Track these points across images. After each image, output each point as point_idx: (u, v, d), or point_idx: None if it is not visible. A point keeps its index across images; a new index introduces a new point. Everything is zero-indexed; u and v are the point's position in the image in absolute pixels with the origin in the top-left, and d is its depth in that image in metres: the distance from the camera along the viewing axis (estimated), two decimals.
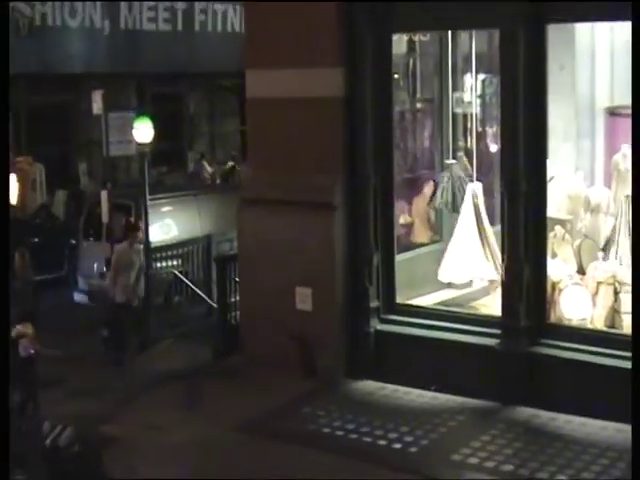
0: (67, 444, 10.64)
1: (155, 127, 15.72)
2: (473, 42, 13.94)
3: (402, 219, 14.23)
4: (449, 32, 14.03)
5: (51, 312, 15.62)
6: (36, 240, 18.82)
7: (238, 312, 14.27)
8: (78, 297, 17.17)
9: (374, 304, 12.88)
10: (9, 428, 7.62)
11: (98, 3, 24.00)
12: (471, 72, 14.14)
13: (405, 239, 14.21)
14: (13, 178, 10.82)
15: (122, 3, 24.54)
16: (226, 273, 14.43)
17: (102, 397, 12.84)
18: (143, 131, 15.43)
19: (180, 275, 16.21)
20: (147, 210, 15.51)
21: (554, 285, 12.01)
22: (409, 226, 14.43)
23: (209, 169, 27.18)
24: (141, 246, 15.10)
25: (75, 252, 18.05)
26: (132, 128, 15.74)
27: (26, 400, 10.99)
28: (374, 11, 12.70)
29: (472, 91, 14.24)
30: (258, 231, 13.49)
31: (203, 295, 15.65)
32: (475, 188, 13.51)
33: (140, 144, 15.65)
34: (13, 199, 10.70)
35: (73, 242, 18.41)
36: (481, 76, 14.15)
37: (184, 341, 15.13)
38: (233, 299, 14.49)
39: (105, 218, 15.95)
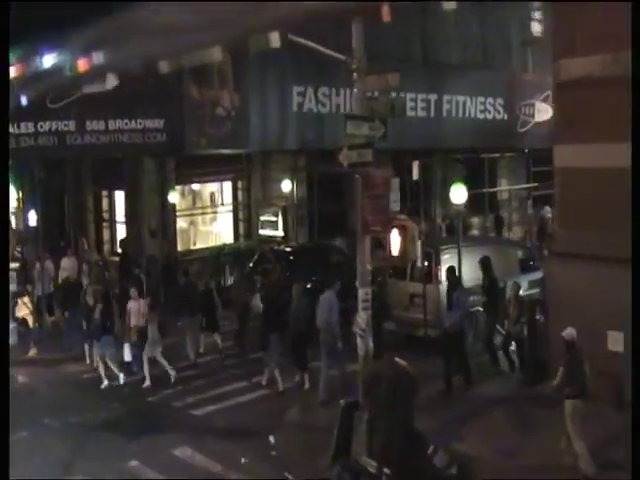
0: (444, 466, 8.92)
1: None
2: None
3: None
4: None
5: None
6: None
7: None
8: (388, 325, 15.41)
9: None
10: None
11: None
12: None
13: None
14: (396, 232, 9.29)
15: (393, 96, 23.14)
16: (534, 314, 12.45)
17: (440, 416, 11.04)
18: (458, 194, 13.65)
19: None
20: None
21: None
22: None
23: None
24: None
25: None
26: None
27: None
28: None
29: None
30: (565, 279, 11.50)
31: (500, 329, 13.61)
32: None
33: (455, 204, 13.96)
34: (395, 250, 9.16)
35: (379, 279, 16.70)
36: None
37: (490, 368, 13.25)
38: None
39: (418, 263, 14.26)
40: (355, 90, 9.51)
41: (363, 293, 9.26)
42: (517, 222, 29.49)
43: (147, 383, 13.59)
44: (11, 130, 17.17)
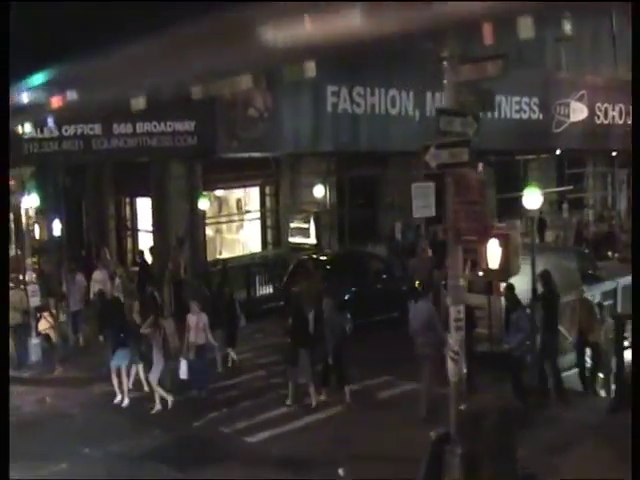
0: None
1: None
2: None
3: None
4: None
5: None
6: None
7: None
8: None
9: None
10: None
11: (411, 96, 21.71)
12: None
13: None
14: (495, 243, 8.26)
15: (428, 96, 22.00)
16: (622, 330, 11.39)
17: (525, 443, 9.88)
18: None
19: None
20: None
21: None
22: None
23: None
24: None
25: None
26: None
27: None
28: None
29: None
30: None
31: (566, 333, 12.45)
32: None
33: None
34: (495, 264, 8.12)
35: None
36: None
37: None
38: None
39: None
40: (445, 81, 8.46)
41: (455, 311, 8.22)
42: (549, 226, 28.49)
43: (171, 400, 12.64)
44: (34, 134, 16.25)
